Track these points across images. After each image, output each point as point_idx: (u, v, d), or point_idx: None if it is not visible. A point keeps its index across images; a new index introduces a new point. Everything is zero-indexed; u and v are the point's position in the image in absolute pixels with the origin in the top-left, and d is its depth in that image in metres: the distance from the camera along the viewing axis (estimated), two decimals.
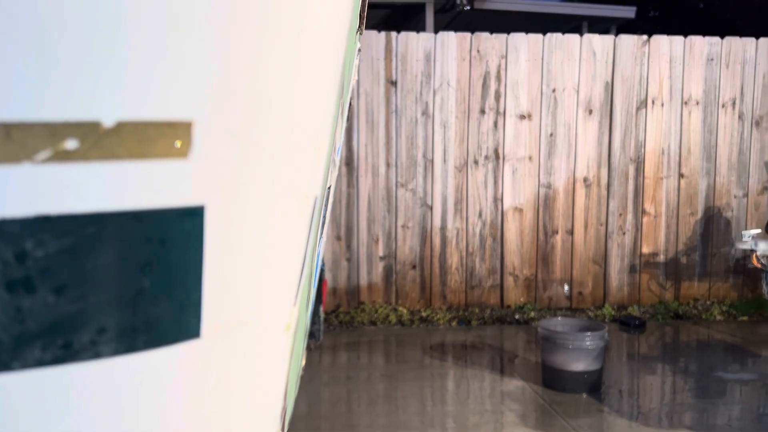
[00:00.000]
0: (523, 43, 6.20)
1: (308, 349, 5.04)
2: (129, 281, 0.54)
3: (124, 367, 0.56)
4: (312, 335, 4.91)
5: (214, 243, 0.59)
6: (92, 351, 0.54)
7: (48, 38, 0.47)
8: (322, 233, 1.11)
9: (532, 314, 6.18)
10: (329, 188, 1.02)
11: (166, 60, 0.52)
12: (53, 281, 0.51)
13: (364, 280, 6.20)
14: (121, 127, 0.51)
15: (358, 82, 6.01)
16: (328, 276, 6.07)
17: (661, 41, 6.37)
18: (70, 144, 0.50)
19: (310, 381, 4.55)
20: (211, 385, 0.63)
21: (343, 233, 6.15)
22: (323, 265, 5.50)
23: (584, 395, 4.30)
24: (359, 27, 0.91)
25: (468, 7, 7.79)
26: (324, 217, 1.08)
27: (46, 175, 0.49)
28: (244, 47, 0.57)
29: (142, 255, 0.55)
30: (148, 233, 0.55)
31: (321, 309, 5.15)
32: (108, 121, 0.51)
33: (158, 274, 0.56)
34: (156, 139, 0.53)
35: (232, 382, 0.66)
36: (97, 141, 0.51)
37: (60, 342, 0.53)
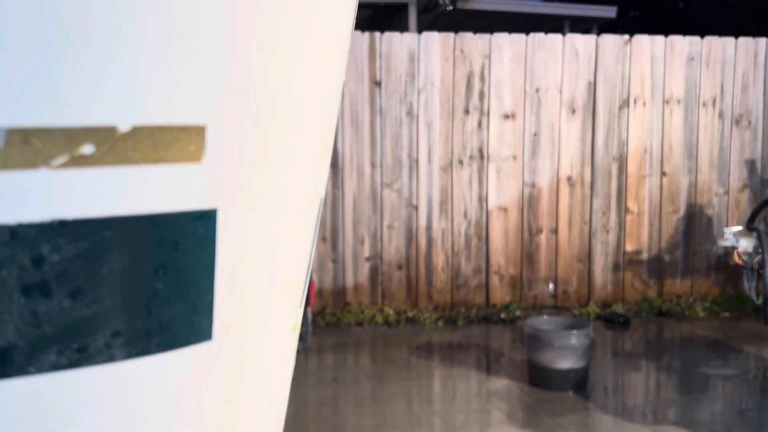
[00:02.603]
0: (506, 42, 6.22)
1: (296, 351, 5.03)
2: (143, 285, 0.55)
3: (138, 370, 0.56)
4: (300, 337, 4.90)
5: (225, 245, 0.59)
6: (107, 354, 0.54)
7: (67, 44, 0.47)
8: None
9: (518, 313, 6.20)
10: None
11: (180, 64, 0.53)
12: (69, 285, 0.51)
13: (350, 281, 6.20)
14: (137, 132, 0.52)
15: (344, 82, 6.01)
16: (314, 277, 6.07)
17: (642, 41, 6.41)
18: (87, 149, 0.50)
19: (296, 383, 4.55)
20: (223, 386, 0.63)
21: (329, 234, 6.14)
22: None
23: (570, 393, 4.33)
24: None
25: (451, 7, 7.81)
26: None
27: (62, 180, 0.49)
28: (252, 49, 0.58)
29: (157, 258, 0.55)
30: (162, 237, 0.55)
31: (308, 310, 5.15)
32: (124, 125, 0.51)
33: (172, 277, 0.56)
34: (171, 143, 0.54)
35: (244, 383, 0.66)
36: (113, 146, 0.51)
37: (75, 346, 0.53)
